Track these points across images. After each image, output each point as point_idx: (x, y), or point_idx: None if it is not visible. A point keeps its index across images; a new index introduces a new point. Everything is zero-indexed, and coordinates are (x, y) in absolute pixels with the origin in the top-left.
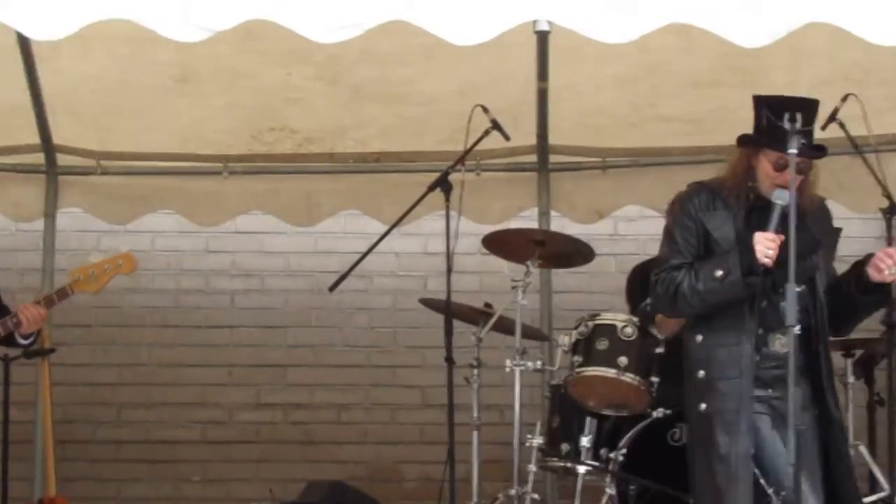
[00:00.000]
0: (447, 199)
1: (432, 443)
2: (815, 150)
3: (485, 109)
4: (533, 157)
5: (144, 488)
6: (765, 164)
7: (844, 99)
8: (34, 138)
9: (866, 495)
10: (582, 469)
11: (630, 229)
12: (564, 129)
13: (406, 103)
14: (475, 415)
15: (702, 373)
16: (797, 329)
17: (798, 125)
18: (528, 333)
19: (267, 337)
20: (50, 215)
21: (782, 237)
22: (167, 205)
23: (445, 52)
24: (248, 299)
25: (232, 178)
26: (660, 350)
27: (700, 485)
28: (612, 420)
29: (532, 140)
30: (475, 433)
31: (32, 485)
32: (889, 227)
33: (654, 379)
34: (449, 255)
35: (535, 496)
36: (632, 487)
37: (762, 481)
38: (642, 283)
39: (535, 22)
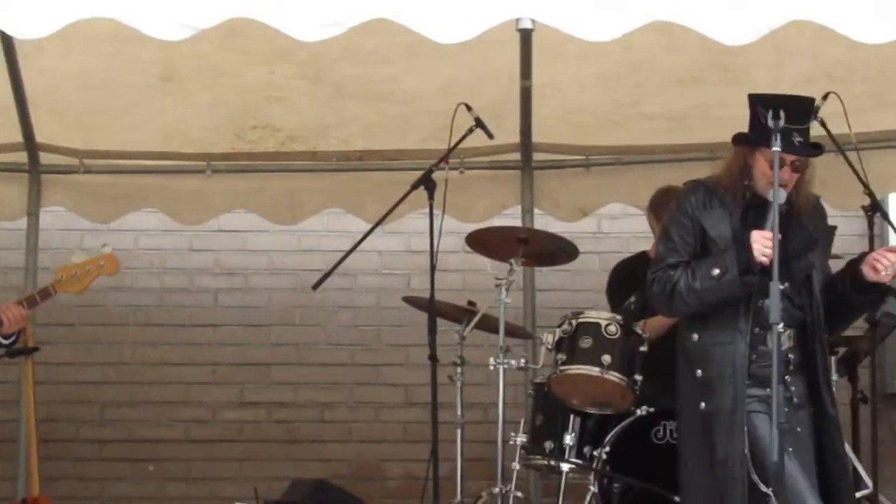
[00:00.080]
0: (431, 198)
1: (416, 441)
2: (811, 149)
3: (468, 107)
4: (516, 156)
5: (128, 487)
6: (761, 162)
7: (825, 97)
8: (17, 137)
9: None
10: (566, 467)
11: (614, 227)
12: (548, 127)
13: (389, 101)
14: (459, 413)
15: (700, 371)
16: (780, 327)
17: (791, 123)
18: (512, 331)
19: (250, 335)
20: (33, 214)
21: (779, 235)
22: (150, 203)
23: (428, 51)
24: (231, 298)
25: (215, 176)
26: (643, 348)
27: (694, 484)
28: (595, 418)
29: (515, 138)
30: (459, 431)
31: (16, 484)
32: (871, 225)
33: (638, 377)
34: (433, 254)
35: (519, 494)
36: (615, 485)
37: (755, 478)
38: (621, 281)
39: (518, 20)
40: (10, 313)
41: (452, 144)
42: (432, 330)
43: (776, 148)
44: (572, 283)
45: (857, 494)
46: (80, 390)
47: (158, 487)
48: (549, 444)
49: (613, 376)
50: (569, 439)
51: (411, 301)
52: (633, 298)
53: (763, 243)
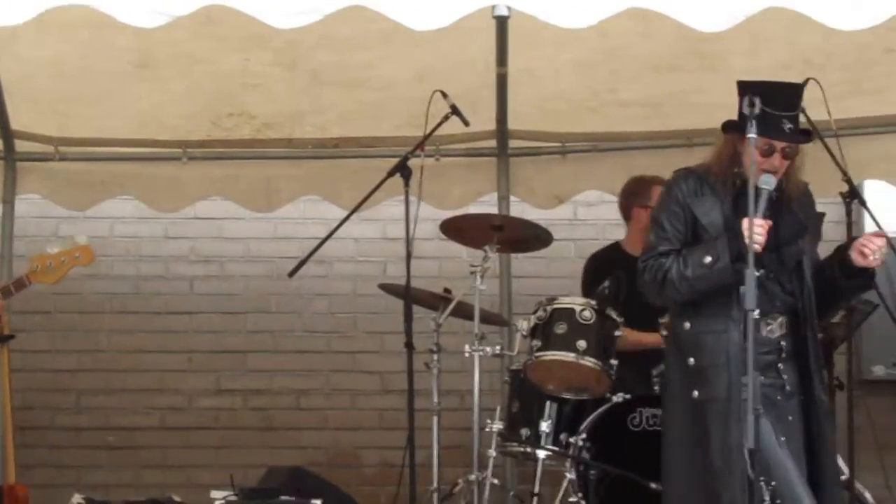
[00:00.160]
0: (406, 185)
1: (392, 428)
2: (801, 135)
3: (444, 95)
4: (492, 143)
5: (104, 474)
6: (750, 149)
7: (805, 83)
8: None
9: None
10: (542, 454)
11: (589, 214)
12: (524, 114)
13: (365, 88)
14: (435, 400)
15: (692, 360)
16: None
17: (780, 110)
18: (488, 318)
19: (226, 323)
20: (8, 202)
21: (770, 223)
22: (126, 191)
23: (404, 38)
24: (207, 285)
25: (191, 163)
26: (618, 333)
27: (679, 472)
28: (571, 404)
29: (491, 125)
30: (435, 418)
31: None
32: (849, 212)
33: (614, 361)
34: (408, 241)
35: (495, 481)
36: (592, 472)
37: (749, 471)
38: (595, 272)
39: (493, 7)
40: None
41: (428, 132)
42: (408, 317)
43: (751, 135)
44: (548, 269)
45: None
46: (56, 378)
47: (135, 475)
48: (525, 431)
49: (589, 361)
50: (545, 426)
51: (387, 288)
52: (606, 283)
53: (755, 230)
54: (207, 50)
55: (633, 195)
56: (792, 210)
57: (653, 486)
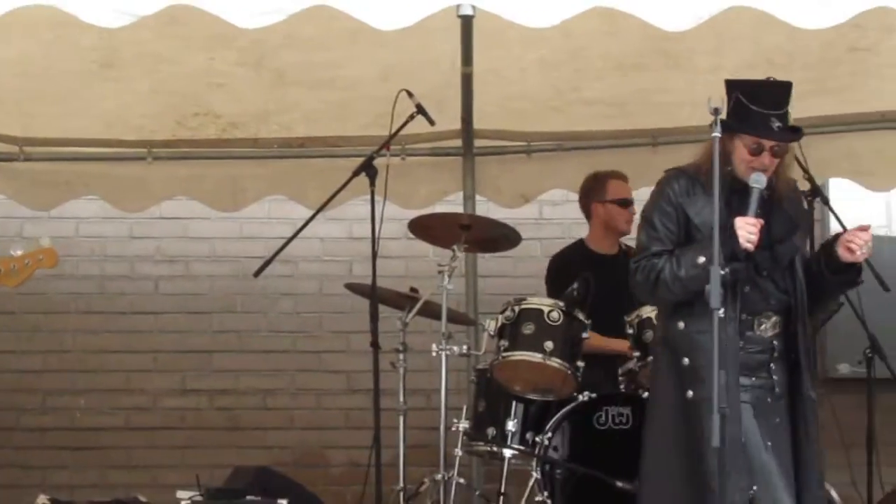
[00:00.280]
0: (372, 184)
1: (358, 428)
2: (790, 133)
3: (409, 94)
4: (458, 142)
5: (69, 475)
6: (740, 148)
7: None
8: None
9: None
10: (508, 453)
11: (555, 213)
12: (489, 113)
13: (330, 88)
14: (401, 399)
15: (686, 360)
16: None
17: (768, 108)
18: (454, 318)
19: (192, 323)
20: None
21: (762, 221)
22: (91, 191)
23: (369, 37)
24: (172, 285)
25: (156, 163)
26: (586, 335)
27: (660, 472)
28: (538, 404)
29: (457, 125)
30: (401, 418)
31: None
32: (811, 210)
33: (580, 363)
34: (374, 240)
35: (462, 480)
36: (558, 471)
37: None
38: (559, 271)
39: (458, 6)
40: None
41: (394, 131)
42: (374, 317)
43: (716, 134)
44: (514, 269)
45: None
46: (22, 379)
47: (100, 475)
48: (491, 431)
49: (555, 362)
50: (511, 425)
51: (353, 288)
52: (575, 285)
53: (748, 229)
54: (172, 50)
55: (590, 191)
56: (783, 208)
57: (619, 484)
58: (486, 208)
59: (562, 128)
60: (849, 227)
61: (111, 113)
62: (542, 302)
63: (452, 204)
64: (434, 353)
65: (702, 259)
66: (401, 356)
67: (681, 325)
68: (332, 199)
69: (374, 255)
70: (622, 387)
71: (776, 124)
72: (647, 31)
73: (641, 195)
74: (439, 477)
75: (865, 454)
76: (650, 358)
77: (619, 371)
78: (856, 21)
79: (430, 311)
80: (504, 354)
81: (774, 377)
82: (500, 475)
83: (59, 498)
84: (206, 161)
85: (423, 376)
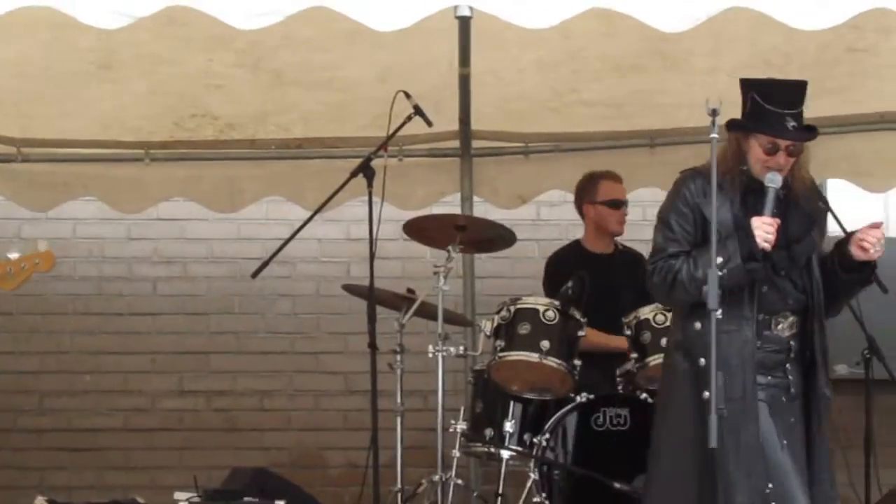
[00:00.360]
0: (370, 185)
1: (356, 429)
2: (805, 132)
3: (407, 95)
4: (455, 143)
5: (67, 476)
6: (755, 148)
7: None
8: None
9: None
10: (506, 454)
11: (552, 214)
12: (487, 114)
13: (328, 89)
14: (398, 401)
15: (703, 360)
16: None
17: (783, 108)
18: (451, 319)
19: (189, 324)
20: None
21: (778, 221)
22: (89, 192)
23: (367, 38)
24: (170, 286)
25: (154, 164)
26: (582, 333)
27: (669, 473)
28: (535, 405)
29: (454, 126)
30: (399, 419)
31: None
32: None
33: (577, 362)
34: (372, 241)
35: (459, 481)
36: (556, 472)
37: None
38: (557, 272)
39: (456, 7)
40: None
41: (391, 132)
42: (371, 318)
43: (714, 136)
44: (511, 270)
45: None
46: (19, 380)
47: (98, 476)
48: (489, 432)
49: (552, 362)
50: (509, 426)
51: (350, 289)
52: (570, 283)
53: (765, 229)
54: (170, 51)
55: (582, 192)
56: (800, 207)
57: (617, 485)
58: (484, 209)
59: (559, 129)
60: (848, 227)
61: (109, 114)
62: (538, 301)
63: (450, 205)
64: (431, 354)
65: (720, 260)
66: (398, 357)
67: (697, 325)
68: (330, 201)
69: (372, 256)
70: (620, 388)
71: (791, 123)
72: (645, 33)
73: (640, 196)
74: (437, 478)
75: (863, 455)
76: (649, 358)
77: (617, 372)
78: (853, 22)
79: (427, 311)
80: (501, 355)
81: (790, 377)
82: (497, 476)
83: (56, 499)
84: (203, 162)
85: (421, 377)
